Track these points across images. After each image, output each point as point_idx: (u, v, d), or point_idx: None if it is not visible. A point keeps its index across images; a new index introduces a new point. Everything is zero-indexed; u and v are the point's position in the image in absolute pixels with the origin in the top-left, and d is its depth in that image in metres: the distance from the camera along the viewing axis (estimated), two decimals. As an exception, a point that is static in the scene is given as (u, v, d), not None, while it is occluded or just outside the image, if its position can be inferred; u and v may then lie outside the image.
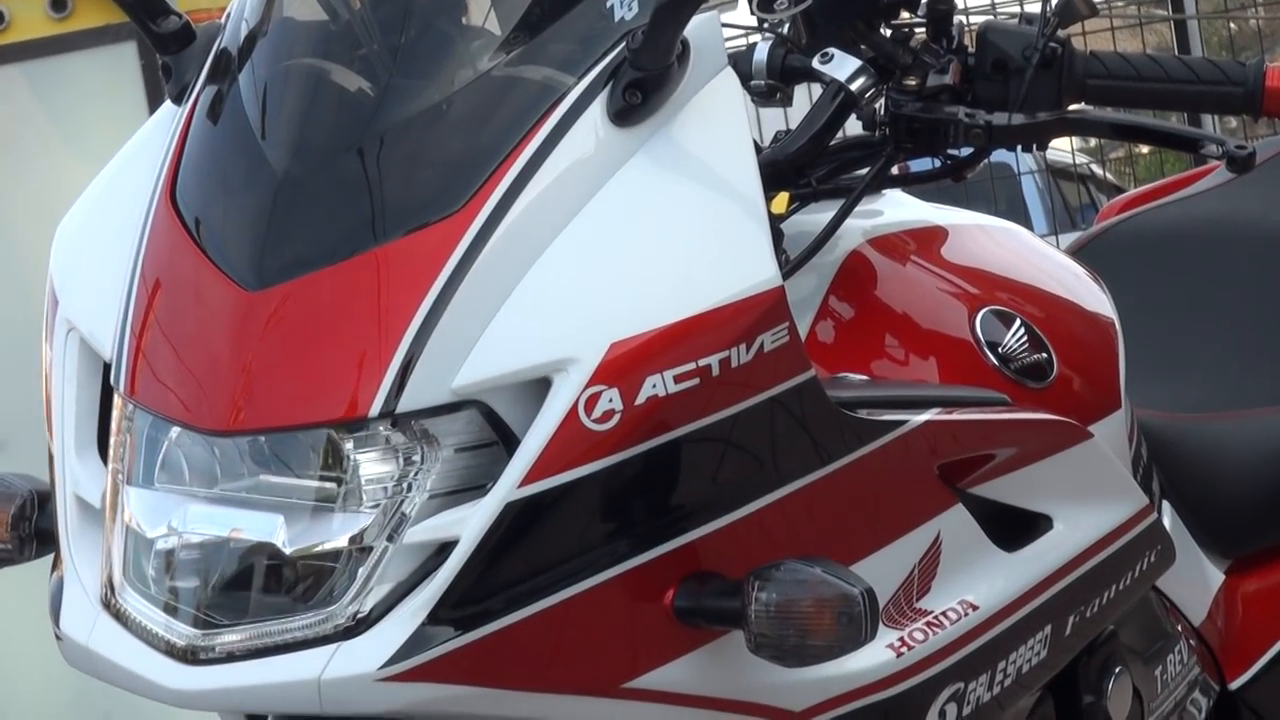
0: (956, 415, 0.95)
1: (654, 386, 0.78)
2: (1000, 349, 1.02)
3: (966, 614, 0.94)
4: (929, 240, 1.10)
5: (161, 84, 0.97)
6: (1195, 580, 1.21)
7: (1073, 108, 1.05)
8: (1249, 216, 1.47)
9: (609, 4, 0.88)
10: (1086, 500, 1.03)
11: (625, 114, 0.85)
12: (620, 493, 0.80)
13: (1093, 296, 1.17)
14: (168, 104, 0.97)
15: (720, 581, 0.82)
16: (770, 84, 1.01)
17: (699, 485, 0.83)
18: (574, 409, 0.76)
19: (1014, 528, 0.99)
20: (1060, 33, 1.01)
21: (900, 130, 1.01)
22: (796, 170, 1.00)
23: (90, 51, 2.37)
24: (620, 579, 0.79)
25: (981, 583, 0.95)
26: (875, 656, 0.87)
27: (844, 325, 1.00)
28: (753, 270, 0.82)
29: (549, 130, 0.83)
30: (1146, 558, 1.07)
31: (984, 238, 1.16)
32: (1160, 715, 1.15)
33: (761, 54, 1.01)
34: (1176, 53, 1.09)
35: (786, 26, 1.04)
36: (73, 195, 1.00)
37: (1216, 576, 1.25)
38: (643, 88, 0.84)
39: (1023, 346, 1.03)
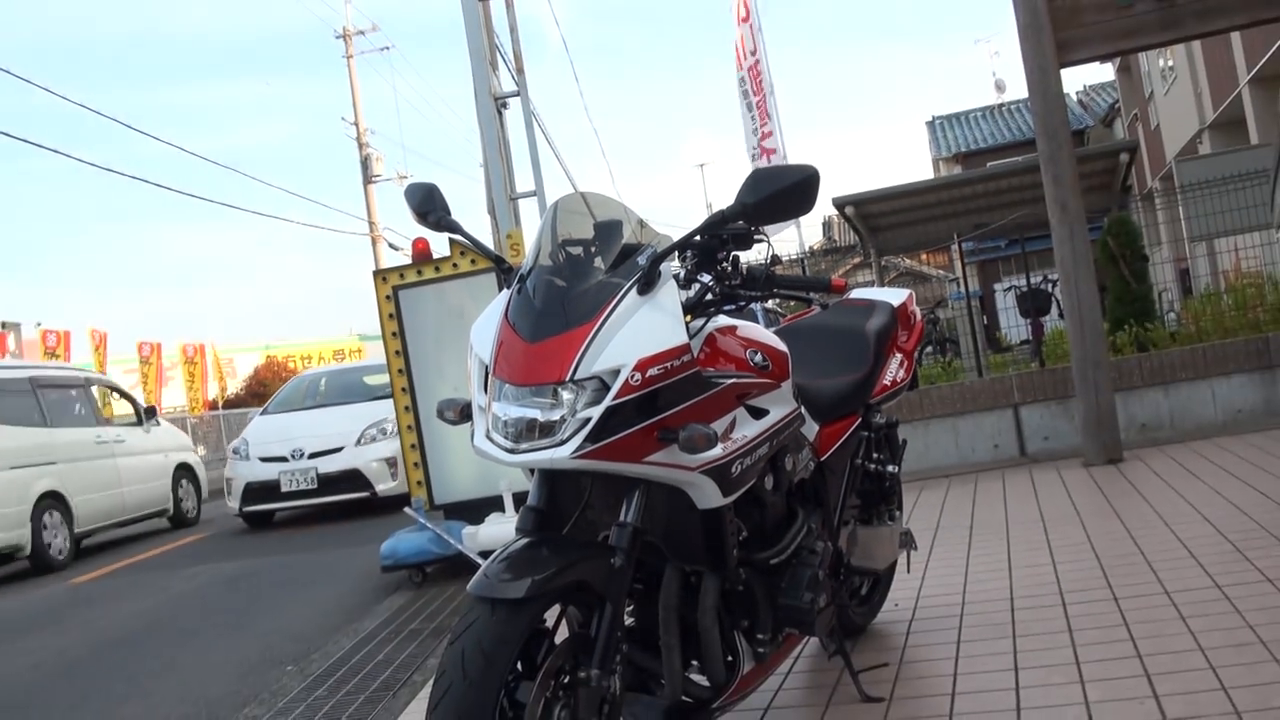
0: (744, 379, 2.84)
1: (652, 372, 2.58)
2: (755, 360, 2.97)
3: (742, 439, 2.80)
4: (732, 328, 3.04)
5: (499, 283, 2.93)
6: (810, 430, 3.39)
7: (776, 290, 3.01)
8: (825, 321, 4.02)
9: (638, 259, 2.74)
10: (779, 405, 3.03)
11: (642, 291, 2.70)
12: (642, 404, 2.58)
13: (779, 343, 3.15)
14: (505, 289, 2.83)
15: (671, 429, 2.61)
16: (684, 282, 2.93)
17: (666, 401, 2.62)
18: (627, 379, 2.56)
19: (759, 412, 2.90)
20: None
21: (726, 297, 2.95)
22: (691, 310, 2.88)
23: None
24: (641, 429, 2.59)
25: (747, 429, 2.85)
26: (714, 452, 2.66)
27: (708, 353, 2.84)
28: (679, 338, 2.68)
29: (620, 295, 2.68)
30: (797, 421, 3.13)
31: (745, 326, 3.11)
32: (795, 472, 3.19)
33: (679, 274, 2.91)
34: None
35: (688, 266, 2.95)
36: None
37: (815, 427, 3.43)
38: (649, 284, 2.70)
39: (759, 358, 3.01)
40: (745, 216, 2.72)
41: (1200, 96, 22.80)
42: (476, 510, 7.46)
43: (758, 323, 3.28)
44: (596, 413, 2.53)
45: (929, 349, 16.15)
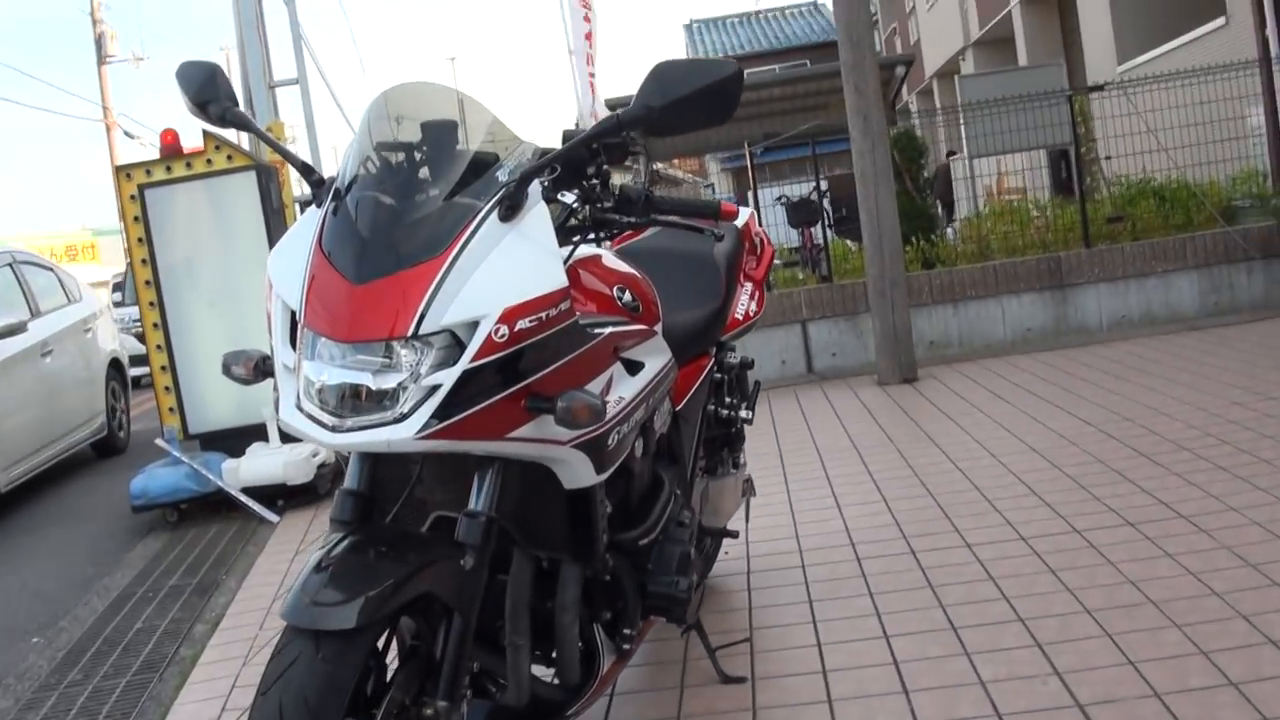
0: (620, 328, 2.32)
1: (520, 324, 1.99)
2: (623, 299, 2.48)
3: (620, 400, 2.29)
4: (596, 259, 2.53)
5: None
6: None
7: (654, 216, 2.49)
8: (664, 245, 3.40)
9: (497, 174, 2.13)
10: (655, 355, 2.56)
11: (506, 217, 2.08)
12: (507, 365, 1.99)
13: (644, 277, 2.69)
14: (312, 206, 2.16)
15: (543, 396, 2.03)
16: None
17: (537, 360, 2.04)
18: (490, 334, 1.96)
19: (634, 366, 2.42)
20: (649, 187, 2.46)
21: (594, 222, 2.41)
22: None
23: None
24: (505, 397, 2.00)
25: (625, 388, 2.38)
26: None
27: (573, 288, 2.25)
28: (557, 280, 2.07)
29: (476, 222, 2.06)
30: (672, 374, 2.70)
31: (608, 258, 2.62)
32: (663, 419, 2.78)
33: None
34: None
35: (547, 183, 2.30)
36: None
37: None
38: (513, 207, 2.08)
39: (629, 299, 2.50)
40: (648, 123, 2.13)
41: (966, 13, 23.10)
42: (237, 440, 6.66)
43: None
44: (448, 379, 1.94)
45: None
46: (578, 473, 2.21)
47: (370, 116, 2.22)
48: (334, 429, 1.97)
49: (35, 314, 9.03)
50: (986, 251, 9.57)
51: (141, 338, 12.22)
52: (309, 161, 2.27)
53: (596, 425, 2.12)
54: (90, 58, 30.32)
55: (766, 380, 8.51)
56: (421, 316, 1.94)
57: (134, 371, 11.34)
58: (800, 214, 14.48)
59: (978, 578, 3.66)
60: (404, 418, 1.94)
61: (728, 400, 3.44)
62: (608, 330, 2.29)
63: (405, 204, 2.09)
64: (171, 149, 7.02)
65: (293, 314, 2.06)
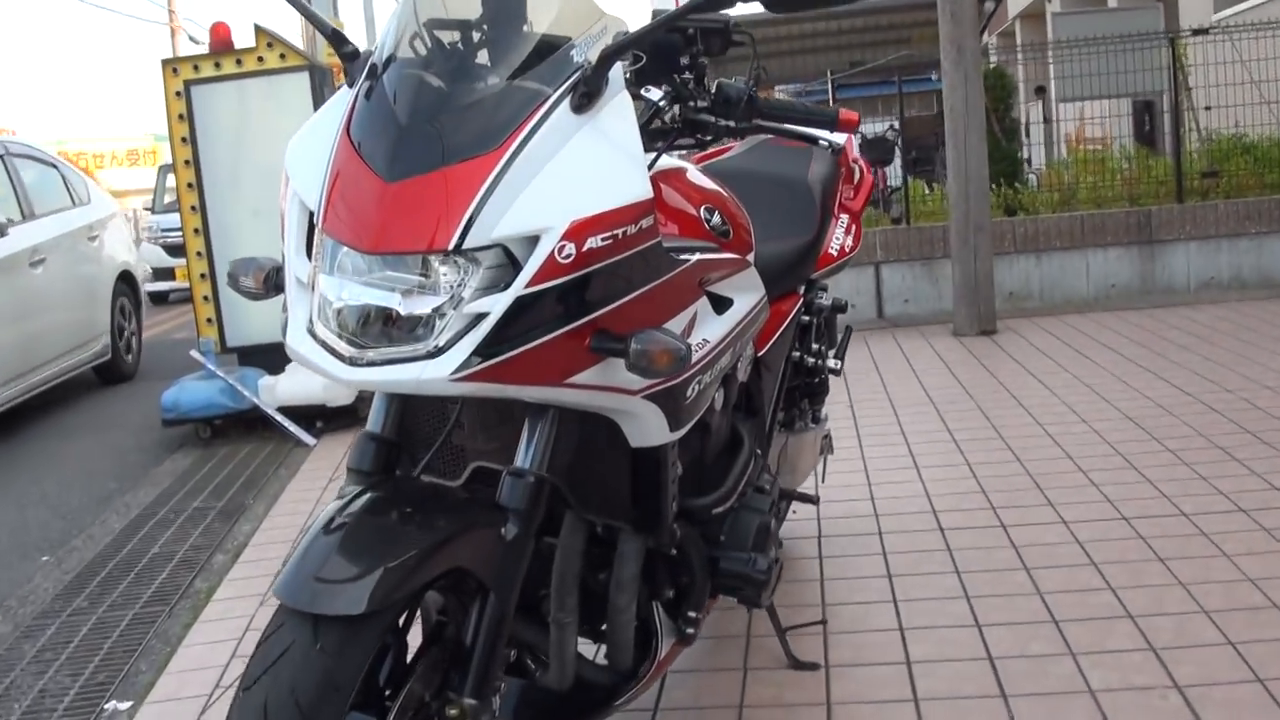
0: (709, 256, 1.98)
1: (592, 243, 1.60)
2: (710, 222, 2.10)
3: (704, 344, 1.94)
4: (680, 173, 2.18)
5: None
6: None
7: (758, 121, 2.15)
8: (755, 164, 3.06)
9: (571, 53, 1.72)
10: (747, 292, 2.17)
11: (580, 107, 1.68)
12: (569, 294, 1.60)
13: (734, 198, 2.32)
14: (344, 87, 1.77)
15: (612, 335, 1.65)
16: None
17: (605, 290, 1.65)
18: (551, 253, 1.57)
19: (721, 303, 2.05)
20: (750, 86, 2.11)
21: (687, 124, 2.04)
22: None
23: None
24: (565, 333, 1.61)
25: (711, 328, 1.99)
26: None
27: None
28: (641, 188, 1.67)
29: (542, 113, 1.66)
30: (763, 314, 2.31)
31: (694, 173, 2.26)
32: (740, 366, 2.35)
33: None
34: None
35: (628, 74, 1.91)
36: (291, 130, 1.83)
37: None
38: (588, 96, 1.68)
39: (718, 222, 2.12)
40: None
41: (1054, -49, 22.20)
42: (276, 356, 6.33)
43: None
44: (497, 307, 1.56)
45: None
46: (648, 428, 1.83)
47: None
48: (352, 361, 1.59)
49: (28, 215, 8.01)
50: (1071, 201, 9.06)
51: (171, 249, 11.81)
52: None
53: (677, 374, 1.73)
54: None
55: (834, 323, 8.11)
56: (468, 225, 1.56)
57: (155, 286, 10.87)
58: (875, 151, 13.92)
59: (1078, 561, 3.26)
60: (439, 352, 1.56)
61: (815, 347, 3.04)
62: (695, 258, 1.89)
63: (455, 86, 1.70)
64: (222, 43, 6.63)
65: (311, 216, 1.68)
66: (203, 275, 6.54)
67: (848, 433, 4.93)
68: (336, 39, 1.85)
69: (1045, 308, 8.15)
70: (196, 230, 6.54)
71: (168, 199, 14.75)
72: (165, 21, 29.25)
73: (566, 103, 1.68)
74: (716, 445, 2.26)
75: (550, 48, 1.75)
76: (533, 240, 1.58)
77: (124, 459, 6.17)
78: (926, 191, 10.01)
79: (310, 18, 1.93)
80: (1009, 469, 4.22)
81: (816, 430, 3.24)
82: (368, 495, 1.67)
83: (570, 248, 1.58)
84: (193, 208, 6.55)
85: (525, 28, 1.83)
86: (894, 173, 11.25)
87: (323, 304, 1.61)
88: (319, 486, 4.88)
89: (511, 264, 1.58)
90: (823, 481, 3.60)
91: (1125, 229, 8.27)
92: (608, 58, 1.70)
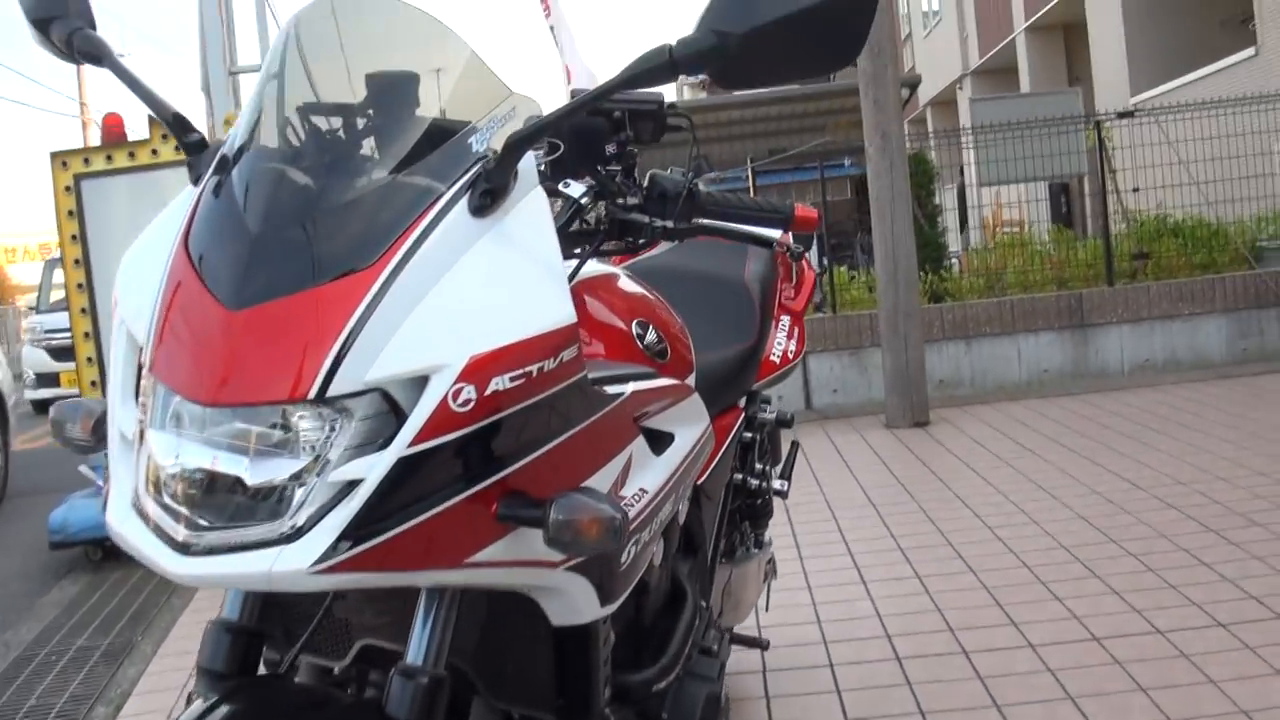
0: (645, 385, 1.61)
1: (497, 384, 1.25)
2: (644, 340, 1.78)
3: (642, 495, 1.56)
4: (609, 281, 1.89)
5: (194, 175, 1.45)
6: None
7: (699, 220, 1.84)
8: (686, 263, 2.69)
9: (470, 141, 1.40)
10: (690, 423, 1.79)
11: (480, 210, 1.35)
12: (468, 450, 1.26)
13: (671, 309, 2.02)
14: (189, 185, 1.43)
15: (526, 499, 1.30)
16: None
17: (516, 441, 1.30)
18: (444, 399, 1.22)
19: (660, 440, 1.67)
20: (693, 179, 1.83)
21: (613, 226, 1.71)
22: None
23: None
24: (465, 500, 1.26)
25: (649, 475, 1.60)
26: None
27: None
28: (560, 312, 1.33)
29: (431, 217, 1.33)
30: (708, 447, 1.92)
31: (625, 280, 1.96)
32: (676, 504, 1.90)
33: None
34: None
35: (543, 166, 1.63)
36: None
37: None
38: (491, 194, 1.35)
39: (654, 340, 1.80)
40: (718, 65, 1.35)
41: (966, 41, 22.55)
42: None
43: None
44: (374, 471, 1.21)
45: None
46: (574, 605, 1.47)
47: (277, 48, 1.49)
48: (185, 547, 1.22)
49: None
50: (997, 286, 8.91)
51: (56, 352, 11.22)
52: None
53: (609, 546, 1.39)
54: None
55: (762, 417, 7.82)
56: (335, 366, 1.20)
57: (38, 394, 10.25)
58: (797, 239, 13.81)
59: (1053, 695, 2.94)
60: (298, 533, 1.20)
61: (758, 467, 2.71)
62: (629, 389, 1.55)
63: (324, 184, 1.35)
64: (115, 135, 6.26)
65: (141, 352, 1.33)
66: (93, 383, 6.08)
67: (786, 543, 4.61)
68: (178, 125, 1.49)
69: (977, 395, 7.95)
70: (87, 334, 6.10)
71: (54, 296, 13.60)
72: (77, 114, 28.65)
73: (464, 203, 1.35)
74: (656, 604, 1.92)
75: (445, 134, 1.43)
76: (421, 383, 1.24)
77: (7, 587, 5.66)
78: (848, 278, 9.82)
79: (147, 99, 1.56)
80: (963, 581, 3.91)
81: (760, 556, 2.91)
82: (224, 710, 1.30)
83: (469, 391, 1.23)
84: (83, 310, 6.10)
85: (416, 110, 1.50)
86: (816, 259, 11.07)
87: (152, 468, 1.25)
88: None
89: (394, 414, 1.24)
90: (766, 610, 3.26)
91: (1056, 313, 8.11)
92: (515, 146, 1.37)
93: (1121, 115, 9.25)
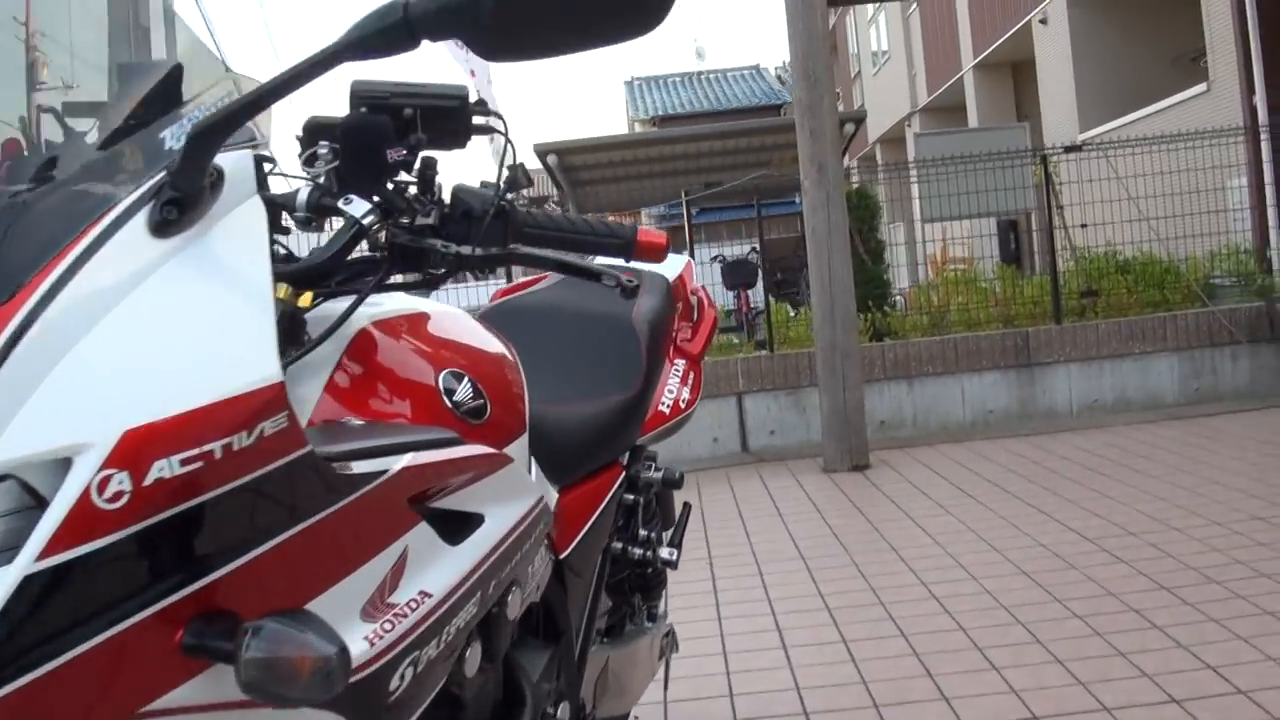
0: (425, 458, 1.19)
1: (161, 470, 0.89)
2: (454, 397, 1.40)
3: (423, 601, 1.18)
4: (415, 322, 1.49)
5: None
6: (550, 499, 1.74)
7: (514, 246, 1.46)
8: (567, 300, 2.38)
9: (161, 135, 1.04)
10: (506, 500, 1.39)
11: (162, 227, 1.00)
12: (128, 561, 0.89)
13: (507, 356, 1.65)
14: None
15: (221, 622, 0.94)
16: (308, 216, 1.31)
17: (199, 549, 0.93)
18: (87, 491, 0.86)
19: (461, 524, 1.29)
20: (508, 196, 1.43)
21: (396, 253, 1.36)
22: (323, 276, 1.29)
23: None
24: (134, 628, 0.89)
25: (435, 574, 1.22)
26: (353, 649, 1.01)
27: (354, 379, 1.29)
28: (258, 367, 0.97)
29: (93, 237, 0.98)
30: (541, 525, 1.49)
31: (446, 319, 1.58)
32: (527, 590, 1.57)
33: (303, 194, 1.31)
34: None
35: (322, 178, 1.32)
36: None
37: (554, 494, 1.80)
38: (179, 205, 1.00)
39: (468, 395, 1.43)
40: (470, 26, 1.04)
41: (914, 78, 22.48)
42: None
43: None
44: None
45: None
46: None
47: None
48: None
49: None
50: (941, 324, 8.63)
51: None
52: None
53: (324, 692, 1.01)
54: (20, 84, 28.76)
55: (696, 460, 7.49)
56: None
57: None
58: (737, 275, 13.56)
59: (987, 787, 2.58)
60: None
61: (643, 534, 2.35)
62: (396, 465, 1.16)
63: None
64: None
65: None
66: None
67: (704, 601, 4.24)
68: None
69: (920, 436, 7.64)
70: None
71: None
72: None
73: (142, 217, 1.00)
74: (479, 717, 1.54)
75: (138, 127, 1.07)
76: (62, 464, 0.87)
77: None
78: (791, 314, 9.53)
79: None
80: (893, 647, 3.55)
81: (653, 632, 2.54)
82: None
83: (121, 480, 0.86)
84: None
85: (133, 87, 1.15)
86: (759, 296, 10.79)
87: None
88: None
89: (39, 506, 0.87)
90: (666, 687, 2.89)
91: (1002, 352, 7.83)
92: (200, 139, 1.02)
93: (1069, 149, 9.00)
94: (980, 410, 7.82)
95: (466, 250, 1.39)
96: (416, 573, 1.19)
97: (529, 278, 2.85)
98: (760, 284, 12.30)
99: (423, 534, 1.21)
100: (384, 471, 1.13)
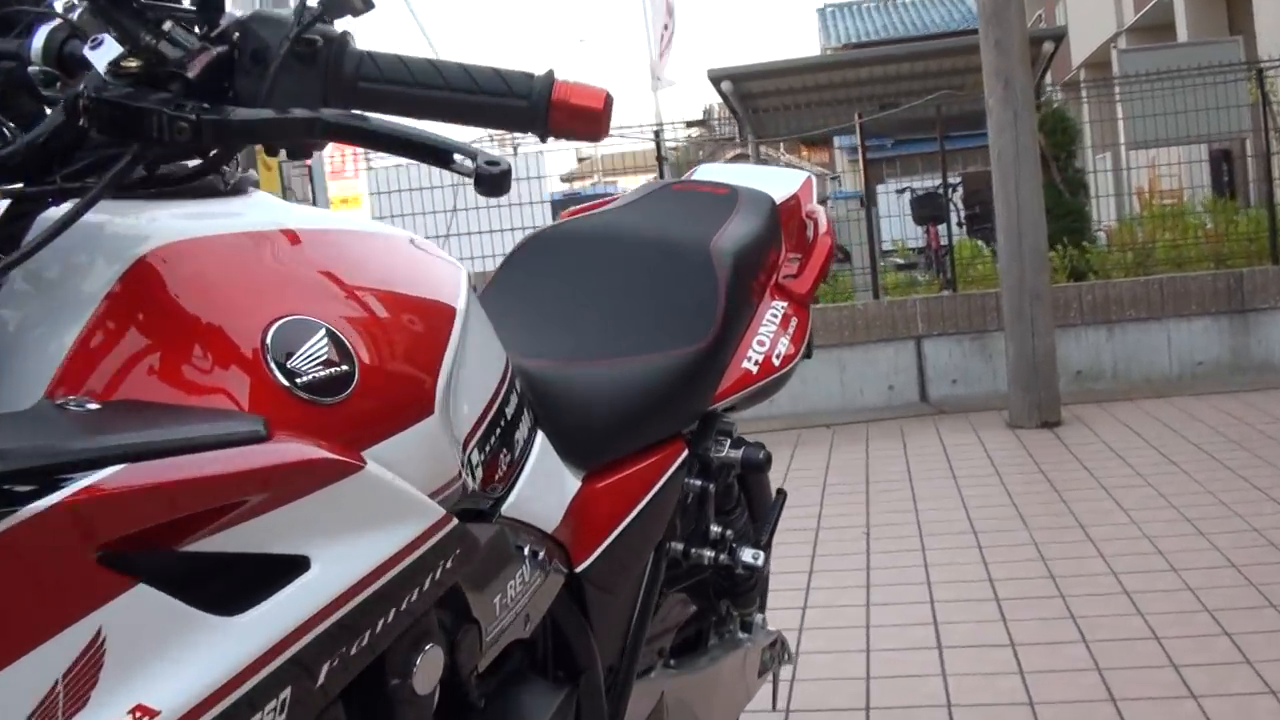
0: (139, 476, 0.69)
1: None
2: (292, 361, 0.90)
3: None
4: (258, 245, 0.98)
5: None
6: (552, 495, 1.36)
7: (323, 111, 0.90)
8: (631, 224, 1.91)
9: None
10: (359, 529, 0.88)
11: None
12: None
13: (440, 290, 1.15)
14: None
15: None
16: (48, 72, 0.91)
17: None
18: None
19: (252, 582, 0.80)
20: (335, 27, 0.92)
21: (101, 118, 0.84)
22: (41, 167, 0.85)
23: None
24: None
25: (175, 670, 0.72)
26: None
27: (118, 336, 0.85)
28: None
29: None
30: (443, 565, 0.98)
31: (331, 243, 1.07)
32: (502, 627, 1.19)
33: (40, 38, 0.90)
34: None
35: (78, 13, 0.89)
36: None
37: (574, 484, 1.42)
38: None
39: (318, 360, 0.92)
40: None
41: (1121, -4, 21.00)
42: None
43: None
44: None
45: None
46: None
47: None
48: None
49: None
50: (1146, 263, 7.75)
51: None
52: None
53: None
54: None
55: (870, 410, 6.87)
56: None
57: None
58: (926, 208, 12.77)
59: None
60: None
61: (714, 531, 1.80)
62: (55, 499, 0.65)
63: None
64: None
65: None
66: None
67: (854, 581, 3.68)
68: None
69: (1119, 390, 6.84)
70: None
71: None
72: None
73: None
74: None
75: None
76: None
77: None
78: (982, 249, 8.75)
79: None
80: (1070, 657, 2.93)
81: (746, 648, 2.01)
82: None
83: None
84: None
85: None
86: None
87: None
88: None
89: None
90: (774, 707, 2.35)
91: (1213, 295, 6.95)
92: None
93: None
94: (1188, 361, 6.97)
95: (241, 115, 0.87)
96: (130, 673, 0.70)
97: (606, 196, 2.39)
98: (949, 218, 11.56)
99: (145, 603, 0.71)
100: (37, 503, 0.65)
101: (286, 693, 0.80)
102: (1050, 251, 6.88)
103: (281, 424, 0.82)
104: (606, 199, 2.18)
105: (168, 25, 0.86)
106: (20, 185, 0.83)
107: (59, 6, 0.93)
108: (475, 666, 1.16)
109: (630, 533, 1.52)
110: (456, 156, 0.91)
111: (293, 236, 1.02)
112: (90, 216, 0.84)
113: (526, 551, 1.27)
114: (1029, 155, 5.96)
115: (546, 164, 9.87)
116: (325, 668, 0.84)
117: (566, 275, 1.79)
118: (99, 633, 0.68)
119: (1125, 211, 10.88)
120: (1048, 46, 11.85)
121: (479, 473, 1.15)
